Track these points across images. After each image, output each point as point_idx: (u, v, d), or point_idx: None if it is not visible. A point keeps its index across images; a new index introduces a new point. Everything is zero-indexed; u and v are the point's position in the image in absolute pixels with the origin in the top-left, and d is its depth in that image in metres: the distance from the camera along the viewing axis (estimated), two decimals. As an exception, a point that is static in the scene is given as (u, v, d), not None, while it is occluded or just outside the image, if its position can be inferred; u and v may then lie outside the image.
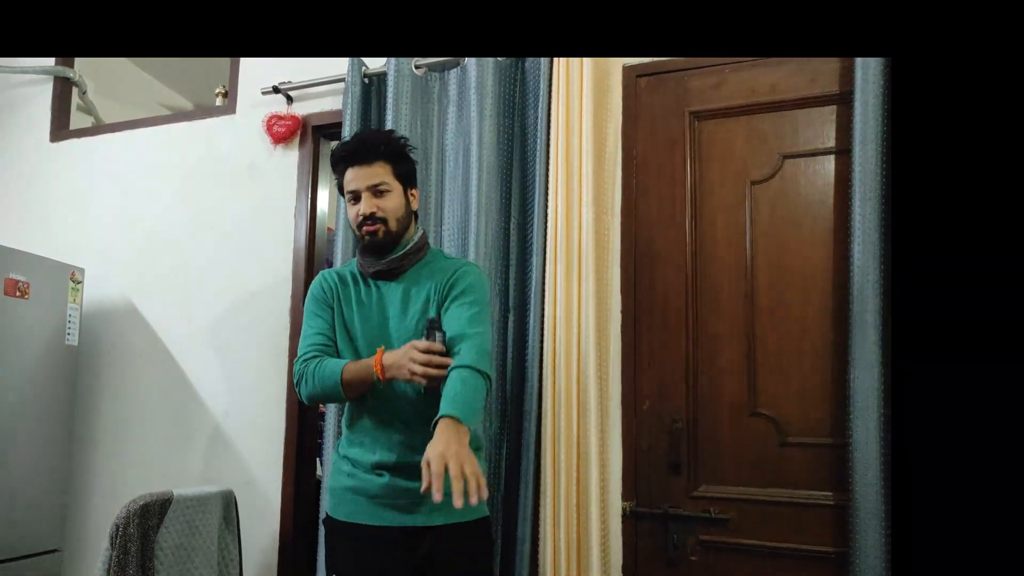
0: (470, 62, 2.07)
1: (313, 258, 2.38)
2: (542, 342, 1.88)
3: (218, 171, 2.53)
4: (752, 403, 1.82)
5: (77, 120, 2.90)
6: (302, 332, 1.61)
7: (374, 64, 2.23)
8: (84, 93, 2.89)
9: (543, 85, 1.98)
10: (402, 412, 1.55)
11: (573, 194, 1.90)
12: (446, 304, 1.55)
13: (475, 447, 1.61)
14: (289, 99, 2.44)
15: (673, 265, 1.93)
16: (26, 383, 2.26)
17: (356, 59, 2.20)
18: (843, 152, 1.79)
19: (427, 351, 1.41)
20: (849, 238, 1.70)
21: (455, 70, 2.14)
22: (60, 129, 2.83)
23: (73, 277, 2.44)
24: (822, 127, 1.84)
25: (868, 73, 1.70)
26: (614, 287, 1.95)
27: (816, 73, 1.85)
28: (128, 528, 1.77)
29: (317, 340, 1.58)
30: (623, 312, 1.95)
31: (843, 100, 1.80)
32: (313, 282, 1.68)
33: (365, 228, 1.57)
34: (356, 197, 1.58)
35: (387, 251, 1.60)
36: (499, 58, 2.04)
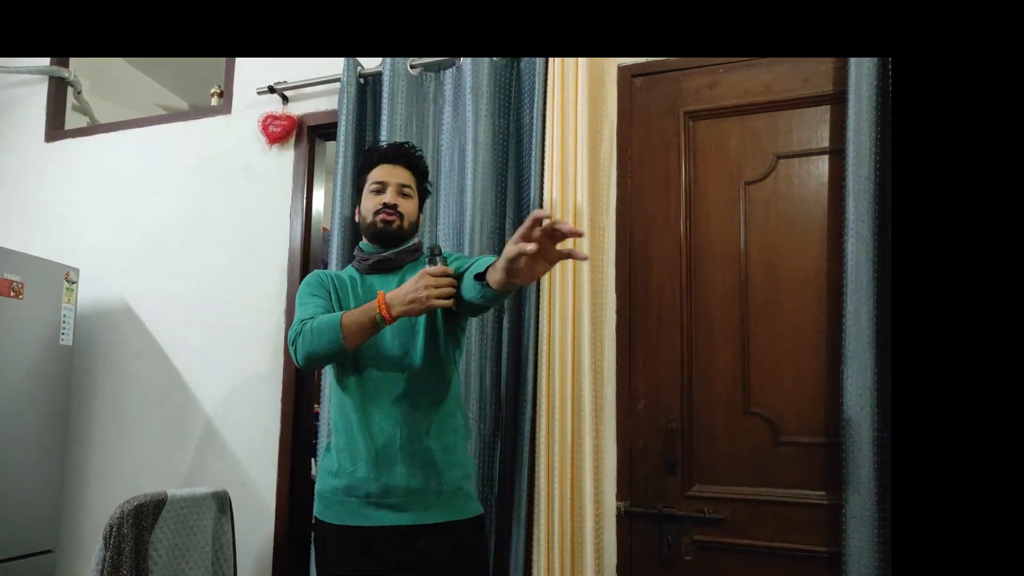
0: (465, 62, 2.07)
1: (308, 258, 2.38)
2: (536, 342, 1.88)
3: (213, 171, 2.53)
4: (746, 402, 1.83)
5: (72, 120, 2.90)
6: (296, 314, 1.58)
7: (369, 64, 2.23)
8: (79, 93, 2.89)
9: (538, 85, 1.98)
10: (392, 409, 1.54)
11: (568, 194, 1.90)
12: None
13: (463, 436, 1.62)
14: (285, 99, 2.44)
15: (668, 265, 1.93)
16: (20, 384, 2.25)
17: (352, 59, 2.20)
18: (836, 152, 1.80)
19: (439, 275, 1.40)
20: (843, 237, 1.71)
21: (450, 70, 2.14)
22: (55, 129, 2.83)
23: (68, 277, 2.43)
24: (816, 127, 1.85)
25: (861, 73, 1.70)
26: (609, 287, 1.96)
27: (810, 73, 1.85)
28: (122, 528, 1.77)
29: (316, 312, 1.55)
30: (618, 312, 1.95)
31: (836, 100, 1.81)
32: (306, 277, 1.70)
33: (383, 215, 1.64)
34: (382, 189, 1.67)
35: (393, 244, 1.67)
36: (494, 58, 2.05)
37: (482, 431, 1.91)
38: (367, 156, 1.75)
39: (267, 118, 2.42)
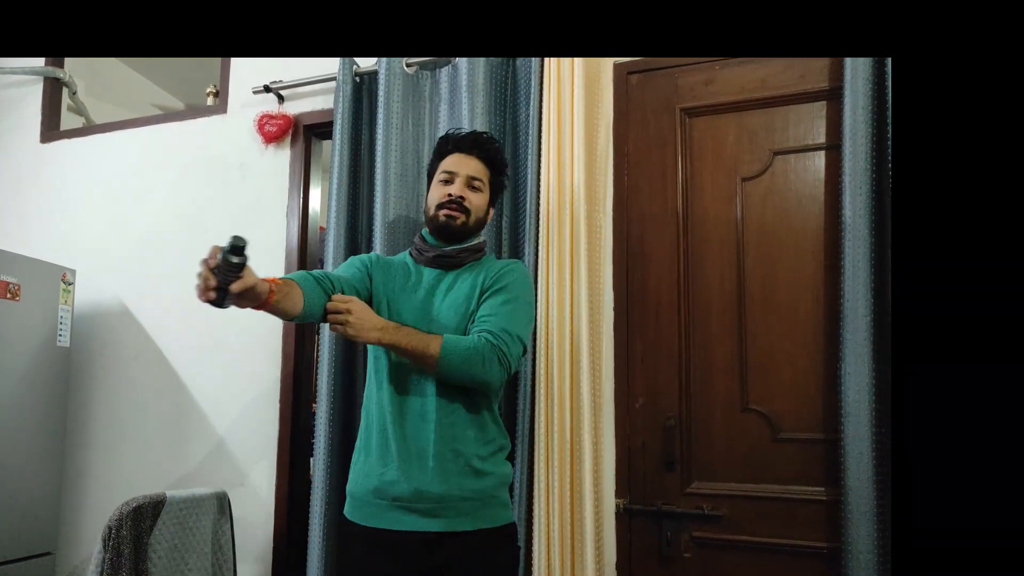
0: (461, 61, 2.07)
1: (305, 258, 2.38)
2: (535, 340, 1.88)
3: (209, 171, 2.52)
4: (744, 399, 1.83)
5: (67, 121, 2.89)
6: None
7: (365, 63, 2.22)
8: (74, 93, 2.88)
9: (534, 83, 1.98)
10: (426, 410, 1.51)
11: (565, 192, 1.90)
12: (485, 295, 1.56)
13: (498, 447, 1.58)
14: (280, 98, 2.43)
15: (665, 262, 1.93)
16: (18, 385, 2.25)
17: (347, 58, 2.20)
18: (833, 148, 1.80)
19: (204, 268, 1.30)
20: (840, 232, 1.71)
21: (446, 68, 2.14)
22: (50, 130, 2.82)
23: (64, 278, 2.43)
24: (812, 123, 1.85)
25: (857, 69, 1.70)
26: (606, 284, 1.95)
27: (806, 69, 1.85)
28: (121, 530, 1.76)
29: (335, 274, 1.57)
30: (615, 309, 1.95)
31: (832, 96, 1.81)
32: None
33: (446, 211, 1.60)
34: (450, 179, 1.62)
35: (455, 241, 1.63)
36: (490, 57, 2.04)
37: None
38: (441, 142, 1.68)
39: (263, 117, 2.42)
